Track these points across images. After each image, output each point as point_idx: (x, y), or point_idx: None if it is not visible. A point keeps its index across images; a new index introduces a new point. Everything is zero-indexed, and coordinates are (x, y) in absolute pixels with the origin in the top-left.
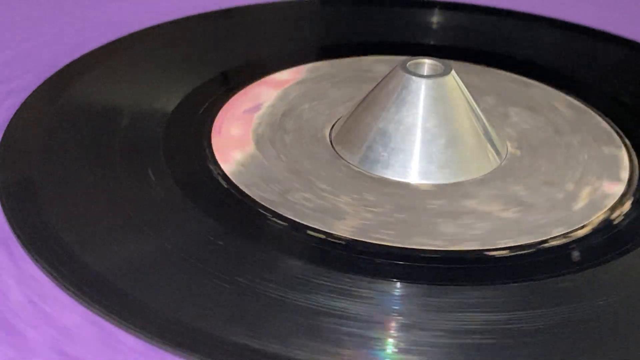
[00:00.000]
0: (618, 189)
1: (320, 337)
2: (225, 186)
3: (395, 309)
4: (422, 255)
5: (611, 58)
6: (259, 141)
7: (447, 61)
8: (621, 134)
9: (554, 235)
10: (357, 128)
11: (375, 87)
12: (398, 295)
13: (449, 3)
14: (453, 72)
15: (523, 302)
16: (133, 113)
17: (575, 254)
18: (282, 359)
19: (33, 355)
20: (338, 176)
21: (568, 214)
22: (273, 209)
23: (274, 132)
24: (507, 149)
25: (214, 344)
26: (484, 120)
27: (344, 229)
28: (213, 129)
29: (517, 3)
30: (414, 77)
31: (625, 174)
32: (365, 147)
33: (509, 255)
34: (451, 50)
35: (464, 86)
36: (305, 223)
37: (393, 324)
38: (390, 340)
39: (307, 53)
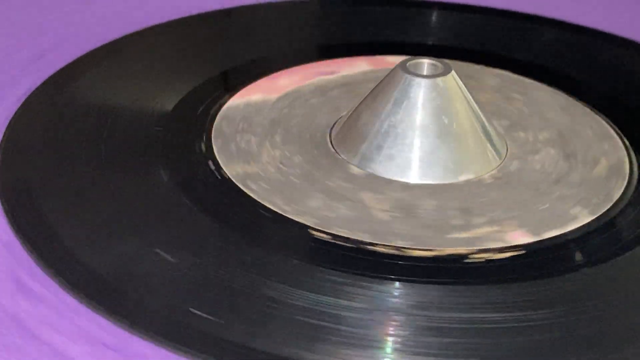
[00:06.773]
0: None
1: (321, 336)
2: (225, 185)
3: (396, 308)
4: (423, 255)
5: (611, 58)
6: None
7: (446, 61)
8: (621, 133)
9: (554, 235)
10: (357, 128)
11: (375, 87)
12: (398, 295)
13: (449, 3)
14: (453, 72)
15: (523, 302)
16: (133, 112)
17: (577, 255)
18: (281, 359)
19: (33, 354)
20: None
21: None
22: (273, 208)
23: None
24: (506, 148)
25: (213, 343)
26: (484, 120)
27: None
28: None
29: (518, 3)
30: (413, 77)
31: (625, 174)
32: (365, 147)
33: (508, 255)
34: (451, 50)
35: (463, 86)
36: (305, 222)
37: (393, 324)
38: (390, 339)
39: (307, 53)
